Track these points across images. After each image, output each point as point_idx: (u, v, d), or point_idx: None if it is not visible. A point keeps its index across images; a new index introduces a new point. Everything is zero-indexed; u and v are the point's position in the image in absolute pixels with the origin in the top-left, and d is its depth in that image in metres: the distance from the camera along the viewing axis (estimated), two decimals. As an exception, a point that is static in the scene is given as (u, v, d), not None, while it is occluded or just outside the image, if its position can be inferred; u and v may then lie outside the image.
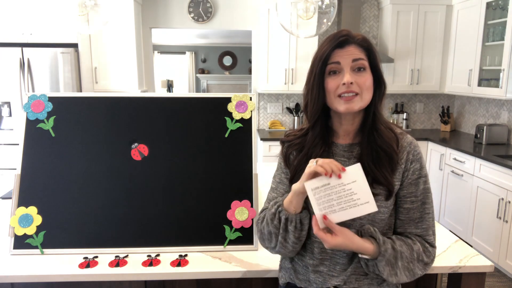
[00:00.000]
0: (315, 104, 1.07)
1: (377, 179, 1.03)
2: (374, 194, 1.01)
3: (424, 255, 1.06)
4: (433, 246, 1.09)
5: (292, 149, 1.15)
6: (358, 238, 1.01)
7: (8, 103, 3.72)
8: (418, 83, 4.26)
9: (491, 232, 3.07)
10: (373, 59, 1.05)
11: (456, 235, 1.58)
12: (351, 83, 1.01)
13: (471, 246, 1.52)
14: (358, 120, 1.09)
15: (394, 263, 1.01)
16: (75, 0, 2.14)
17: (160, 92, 8.42)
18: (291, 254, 1.13)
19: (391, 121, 4.56)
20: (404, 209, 1.08)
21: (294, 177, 1.12)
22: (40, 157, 1.48)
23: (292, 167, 1.13)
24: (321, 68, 1.04)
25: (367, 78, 1.03)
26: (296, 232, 1.06)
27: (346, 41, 1.03)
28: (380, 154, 1.04)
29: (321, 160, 0.98)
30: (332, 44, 1.03)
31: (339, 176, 0.96)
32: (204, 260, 1.37)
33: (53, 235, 1.43)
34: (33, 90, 3.71)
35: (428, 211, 1.08)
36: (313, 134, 1.10)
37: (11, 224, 1.43)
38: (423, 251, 1.06)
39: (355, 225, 1.06)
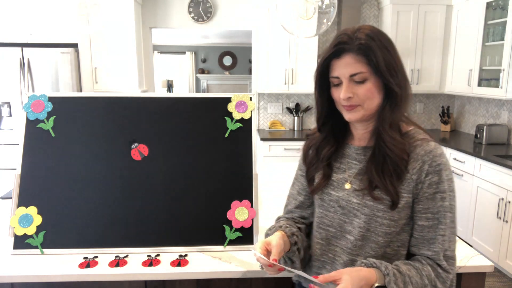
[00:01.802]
0: (318, 111, 1.09)
1: (378, 186, 0.99)
2: (376, 199, 0.98)
3: (437, 280, 0.96)
4: (447, 271, 0.97)
5: (312, 143, 1.15)
6: (356, 269, 0.94)
7: (8, 103, 3.72)
8: (418, 83, 4.26)
9: (491, 232, 3.07)
10: (376, 65, 0.94)
11: (456, 235, 1.57)
12: (349, 97, 0.97)
13: (471, 246, 1.52)
14: (372, 123, 1.03)
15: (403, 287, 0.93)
16: (75, 0, 2.15)
17: (160, 92, 8.42)
18: None
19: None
20: (418, 226, 1.00)
21: (307, 172, 1.15)
22: (40, 157, 1.48)
23: (307, 162, 1.15)
24: (319, 79, 1.04)
25: (367, 89, 0.96)
26: (288, 265, 1.10)
27: (342, 50, 0.96)
28: (387, 161, 0.97)
29: (256, 253, 0.98)
30: (329, 53, 0.99)
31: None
32: (204, 260, 1.37)
33: (53, 235, 1.43)
34: (33, 90, 3.71)
35: (443, 233, 0.97)
36: (321, 136, 1.11)
37: (11, 224, 1.43)
38: (435, 276, 0.96)
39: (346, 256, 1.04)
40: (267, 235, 1.13)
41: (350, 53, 0.96)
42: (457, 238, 1.02)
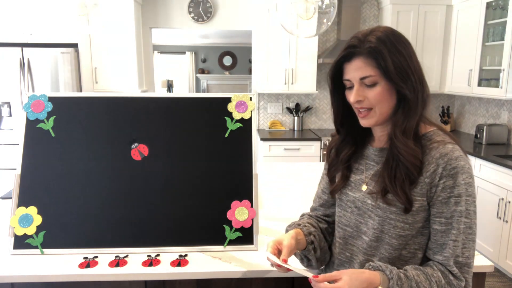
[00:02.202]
0: (334, 114, 1.10)
1: (388, 190, 0.98)
2: (388, 203, 0.98)
3: (448, 287, 0.94)
4: (458, 279, 0.94)
5: (333, 144, 1.16)
6: (359, 271, 0.93)
7: (8, 103, 3.72)
8: (418, 83, 4.26)
9: (491, 232, 3.07)
10: (386, 68, 0.93)
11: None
12: (360, 100, 0.98)
13: (471, 246, 1.51)
14: (388, 125, 1.02)
15: None
16: (75, 0, 2.15)
17: (160, 92, 8.42)
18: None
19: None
20: (433, 229, 0.97)
21: (328, 172, 1.17)
22: (40, 157, 1.48)
23: (329, 162, 1.17)
24: (334, 84, 1.05)
25: (378, 93, 0.96)
26: (304, 263, 1.15)
27: (352, 54, 0.97)
28: (399, 166, 0.96)
29: (267, 253, 1.00)
30: (339, 56, 0.99)
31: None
32: (204, 260, 1.37)
33: (53, 235, 1.43)
34: (33, 90, 3.71)
35: (454, 238, 0.94)
36: (340, 138, 1.12)
37: (11, 224, 1.43)
38: (446, 283, 0.94)
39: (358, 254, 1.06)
40: (286, 230, 1.16)
41: (360, 57, 0.96)
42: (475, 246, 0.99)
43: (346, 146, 1.11)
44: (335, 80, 1.04)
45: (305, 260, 1.14)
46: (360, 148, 1.11)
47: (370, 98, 0.97)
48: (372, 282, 0.90)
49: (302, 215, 1.24)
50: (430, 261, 0.99)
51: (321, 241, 1.15)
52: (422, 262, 1.02)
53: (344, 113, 1.08)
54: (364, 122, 1.01)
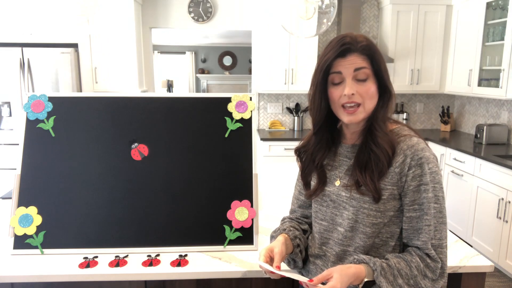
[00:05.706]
0: (317, 114, 1.10)
1: (360, 182, 1.04)
2: (361, 194, 1.03)
3: (427, 270, 1.00)
4: (435, 261, 1.01)
5: (303, 151, 1.21)
6: (346, 266, 0.98)
7: (8, 103, 3.72)
8: (418, 83, 4.26)
9: (491, 232, 3.07)
10: (377, 66, 1.02)
11: (456, 235, 1.58)
12: (353, 94, 1.00)
13: (471, 246, 1.52)
14: (363, 123, 1.08)
15: (393, 280, 0.97)
16: (75, 0, 2.15)
17: (160, 92, 8.42)
18: None
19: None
20: (407, 218, 1.04)
21: (302, 176, 1.21)
22: (40, 157, 1.48)
23: (301, 166, 1.21)
24: (322, 78, 1.05)
25: (369, 87, 1.02)
26: (291, 265, 1.19)
27: (347, 50, 1.01)
28: (371, 157, 1.03)
29: (259, 262, 1.03)
30: (334, 53, 1.02)
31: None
32: (204, 260, 1.37)
33: (53, 235, 1.43)
34: (33, 90, 3.71)
35: (428, 223, 1.01)
36: (315, 140, 1.14)
37: (11, 224, 1.43)
38: (425, 266, 1.00)
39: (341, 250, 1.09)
40: (272, 237, 1.19)
41: (355, 53, 1.01)
42: (447, 228, 1.07)
43: (321, 149, 1.14)
44: (322, 79, 1.06)
45: (292, 262, 1.18)
46: (331, 148, 1.15)
47: (362, 93, 1.02)
48: (359, 275, 0.96)
49: (283, 219, 1.27)
50: (409, 247, 1.05)
51: (305, 243, 1.19)
52: (394, 250, 1.07)
53: (325, 114, 1.10)
54: (351, 118, 1.04)
